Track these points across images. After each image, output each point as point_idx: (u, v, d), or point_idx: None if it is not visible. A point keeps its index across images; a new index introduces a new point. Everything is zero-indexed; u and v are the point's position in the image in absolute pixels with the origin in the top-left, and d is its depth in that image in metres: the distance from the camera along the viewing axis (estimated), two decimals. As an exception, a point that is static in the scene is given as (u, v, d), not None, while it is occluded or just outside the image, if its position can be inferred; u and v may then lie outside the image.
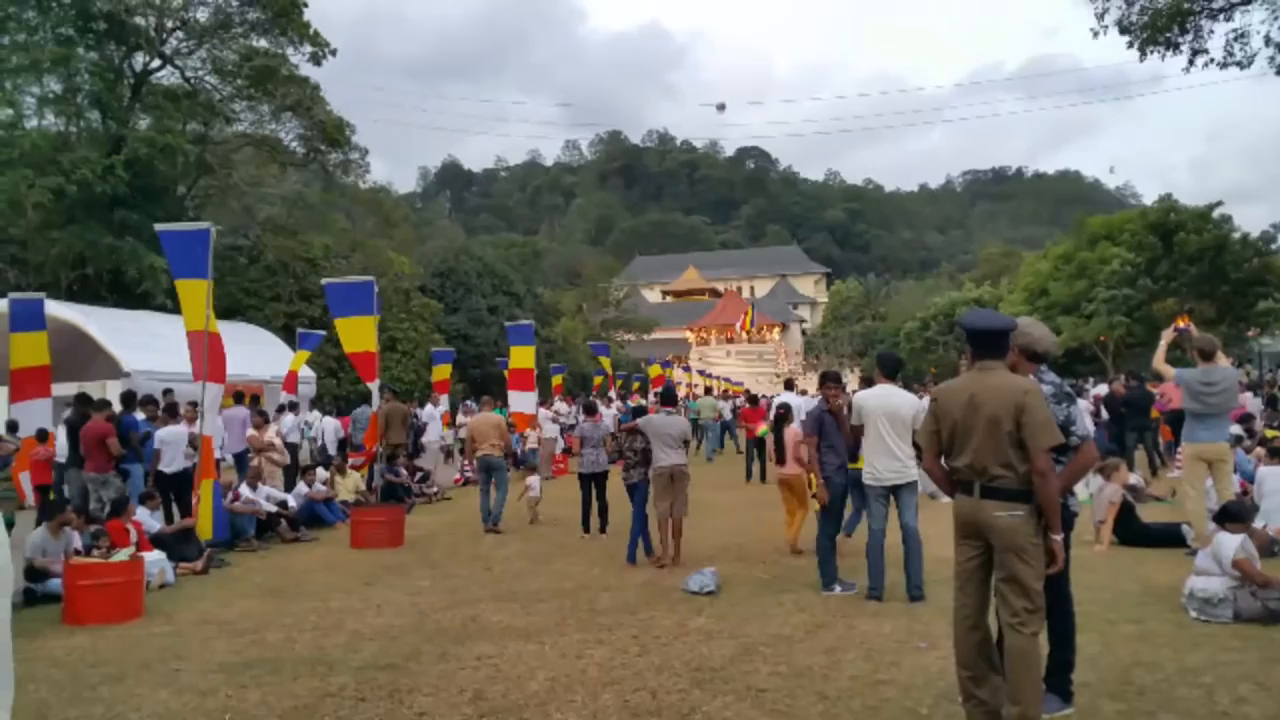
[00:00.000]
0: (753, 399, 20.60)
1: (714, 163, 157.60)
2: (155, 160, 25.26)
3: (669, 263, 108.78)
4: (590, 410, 12.56)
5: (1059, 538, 4.05)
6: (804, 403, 17.10)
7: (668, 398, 9.63)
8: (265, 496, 11.43)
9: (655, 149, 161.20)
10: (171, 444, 10.76)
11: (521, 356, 20.01)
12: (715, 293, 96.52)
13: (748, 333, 75.43)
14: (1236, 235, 34.49)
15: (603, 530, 10.79)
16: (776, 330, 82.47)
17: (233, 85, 28.66)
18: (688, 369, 52.61)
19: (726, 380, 47.44)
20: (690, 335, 79.53)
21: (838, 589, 7.31)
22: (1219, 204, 35.30)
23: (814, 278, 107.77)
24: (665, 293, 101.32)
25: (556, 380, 27.85)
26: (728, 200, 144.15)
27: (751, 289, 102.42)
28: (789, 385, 21.13)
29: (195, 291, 10.26)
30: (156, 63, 27.83)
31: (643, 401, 25.35)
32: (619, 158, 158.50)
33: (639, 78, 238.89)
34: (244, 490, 11.18)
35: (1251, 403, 17.45)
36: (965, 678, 4.19)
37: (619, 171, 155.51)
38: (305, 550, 10.59)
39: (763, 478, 16.18)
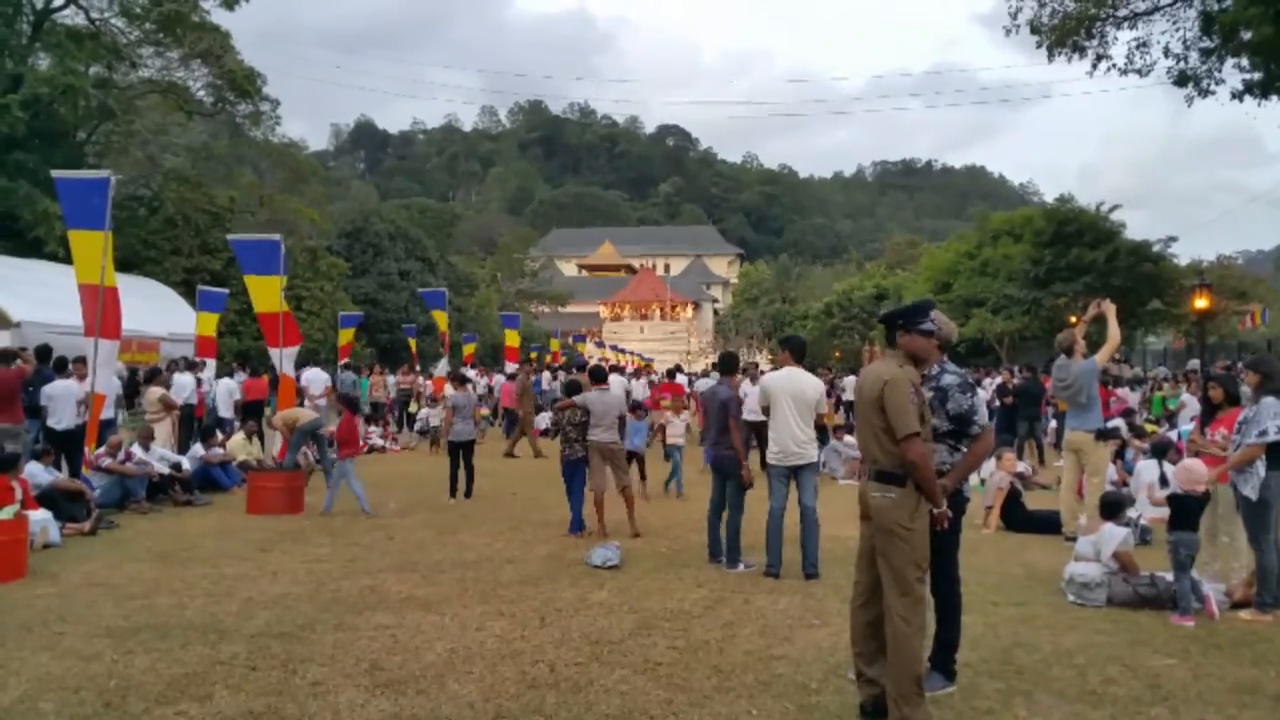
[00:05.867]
0: (671, 373, 20.57)
1: (634, 139, 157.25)
2: (55, 102, 23.96)
3: (586, 236, 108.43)
4: (460, 380, 12.57)
5: (939, 510, 4.21)
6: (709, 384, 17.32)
7: (598, 376, 9.72)
8: (158, 458, 11.03)
9: (576, 121, 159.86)
10: (60, 399, 10.28)
11: (441, 321, 19.93)
12: (631, 269, 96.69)
13: (661, 310, 75.90)
14: (1128, 236, 36.14)
15: (468, 495, 11.30)
16: (689, 308, 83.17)
17: (140, 29, 27.25)
18: (600, 344, 52.74)
19: (638, 356, 47.73)
20: (604, 310, 79.57)
21: (741, 567, 7.48)
22: (1117, 206, 36.93)
23: (728, 258, 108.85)
24: (581, 266, 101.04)
25: (468, 349, 27.57)
26: (646, 177, 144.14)
27: (667, 266, 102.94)
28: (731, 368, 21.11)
29: (90, 243, 9.83)
30: (59, 0, 26.25)
31: (545, 376, 25.20)
32: (539, 128, 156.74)
33: (562, 59, 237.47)
34: (136, 450, 10.76)
35: (1131, 397, 18.44)
36: (855, 655, 4.36)
37: (539, 142, 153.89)
38: (199, 514, 10.27)
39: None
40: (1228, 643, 5.59)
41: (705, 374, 20.72)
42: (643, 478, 11.29)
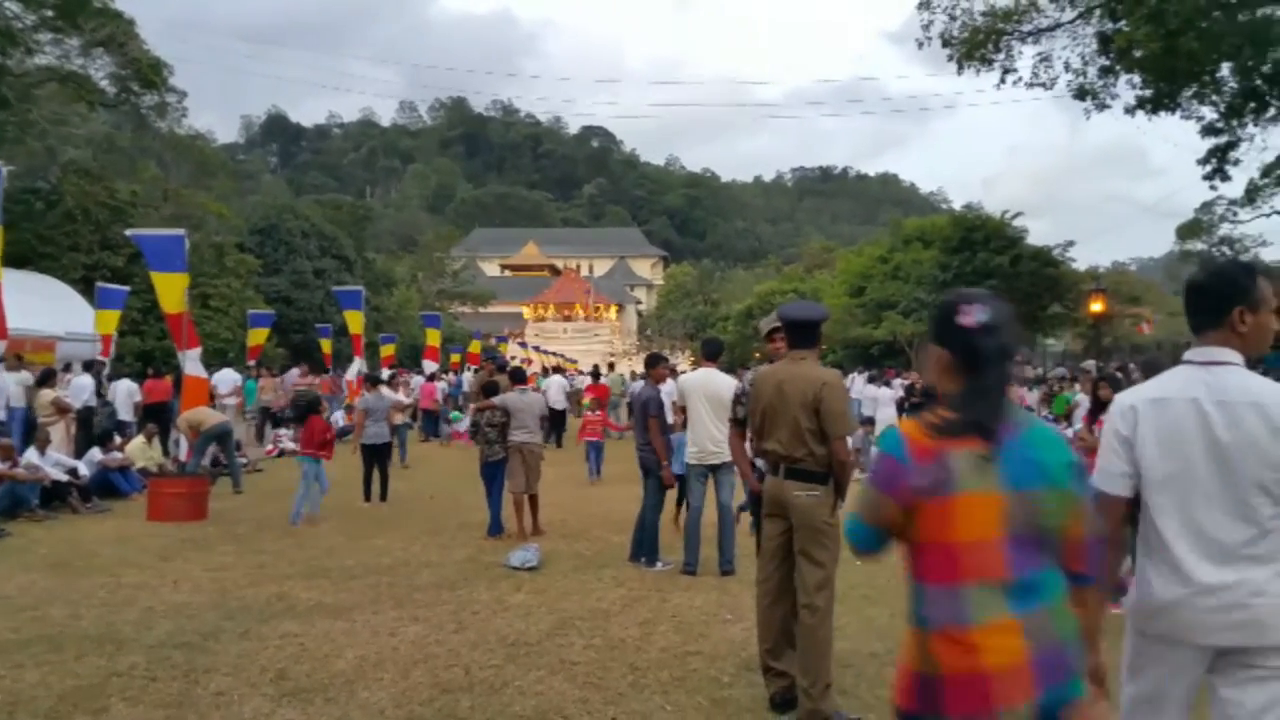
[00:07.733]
0: (595, 374, 20.85)
1: (558, 139, 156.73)
2: (-56, 90, 22.68)
3: (509, 236, 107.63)
4: (374, 382, 12.41)
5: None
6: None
7: (518, 376, 9.70)
8: (54, 463, 10.56)
9: (499, 120, 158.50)
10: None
11: (353, 322, 19.52)
12: (554, 270, 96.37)
13: (585, 311, 75.90)
14: (1029, 242, 37.50)
15: (383, 498, 11.14)
16: (614, 310, 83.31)
17: (37, 14, 25.95)
18: (523, 344, 52.41)
19: (561, 357, 47.64)
20: (528, 311, 79.14)
21: (659, 565, 7.53)
22: (1020, 214, 38.26)
23: (651, 260, 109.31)
24: (504, 266, 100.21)
25: (387, 350, 27.02)
26: (570, 178, 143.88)
27: (590, 268, 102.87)
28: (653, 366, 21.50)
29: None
30: (-55, -17, 24.86)
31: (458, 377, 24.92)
32: (461, 125, 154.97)
33: (486, 59, 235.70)
34: (30, 455, 10.28)
35: (1030, 397, 19.21)
36: (764, 651, 4.43)
37: (460, 139, 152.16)
38: (97, 521, 9.88)
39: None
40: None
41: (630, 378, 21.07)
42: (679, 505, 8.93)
